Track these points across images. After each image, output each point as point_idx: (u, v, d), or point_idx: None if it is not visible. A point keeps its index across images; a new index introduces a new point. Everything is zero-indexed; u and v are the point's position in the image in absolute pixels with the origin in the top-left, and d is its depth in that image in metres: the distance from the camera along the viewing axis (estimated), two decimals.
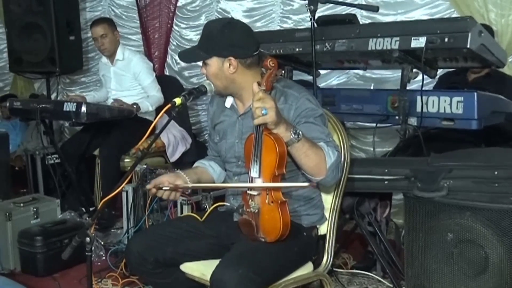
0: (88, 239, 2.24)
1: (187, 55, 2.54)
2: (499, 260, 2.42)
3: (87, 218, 3.92)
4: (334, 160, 2.24)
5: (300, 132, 2.16)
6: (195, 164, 2.74)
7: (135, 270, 2.60)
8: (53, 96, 6.21)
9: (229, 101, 2.53)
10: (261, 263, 2.21)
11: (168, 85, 5.02)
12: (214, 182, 2.68)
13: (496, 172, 2.51)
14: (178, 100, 2.27)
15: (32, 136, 5.79)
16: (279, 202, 2.19)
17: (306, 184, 2.21)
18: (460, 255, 2.52)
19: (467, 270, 2.50)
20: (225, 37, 2.33)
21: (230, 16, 5.31)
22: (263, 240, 2.26)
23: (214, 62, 2.37)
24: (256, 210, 2.23)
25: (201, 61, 2.43)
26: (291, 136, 2.15)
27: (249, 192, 2.25)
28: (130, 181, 4.11)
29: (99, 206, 2.37)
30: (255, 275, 2.12)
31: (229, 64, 2.35)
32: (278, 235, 2.20)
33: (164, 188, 2.41)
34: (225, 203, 2.58)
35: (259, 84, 2.19)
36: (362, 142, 4.79)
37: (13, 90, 7.09)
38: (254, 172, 2.22)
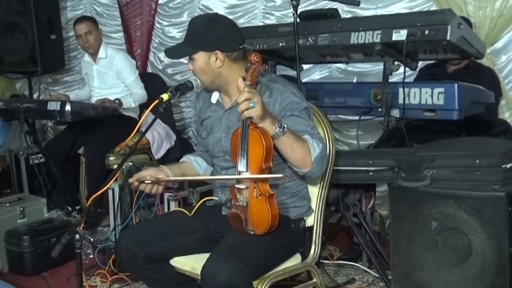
0: (77, 236, 2.26)
1: (174, 52, 2.55)
2: (482, 246, 2.46)
3: (76, 216, 3.92)
4: (319, 152, 2.27)
5: (285, 126, 2.19)
6: (182, 159, 2.77)
7: (125, 266, 2.62)
8: (35, 96, 6.20)
9: (215, 97, 2.56)
10: (251, 255, 2.24)
11: (151, 82, 5.02)
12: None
13: (477, 161, 2.54)
14: (165, 96, 2.30)
15: (15, 136, 5.75)
16: (267, 195, 2.22)
17: (280, 175, 2.23)
18: (444, 242, 2.55)
19: (451, 257, 2.54)
20: (211, 32, 2.36)
21: (211, 11, 5.32)
22: (252, 233, 2.29)
23: (200, 57, 2.39)
24: (245, 204, 2.26)
25: (187, 57, 2.45)
26: (276, 130, 2.18)
27: (236, 186, 2.28)
28: (115, 179, 4.13)
29: (88, 203, 2.40)
30: (245, 267, 2.15)
31: (216, 58, 2.37)
32: (267, 228, 2.23)
33: (146, 182, 2.44)
34: (213, 198, 2.61)
35: (244, 79, 2.22)
36: (345, 135, 4.83)
37: None
38: (241, 166, 2.25)
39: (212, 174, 2.73)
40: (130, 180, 2.49)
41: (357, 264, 3.52)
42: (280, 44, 3.36)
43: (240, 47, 2.41)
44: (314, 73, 4.99)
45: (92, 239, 4.09)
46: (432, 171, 2.62)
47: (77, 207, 4.52)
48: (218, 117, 2.55)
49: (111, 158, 4.57)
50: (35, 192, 4.65)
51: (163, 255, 2.49)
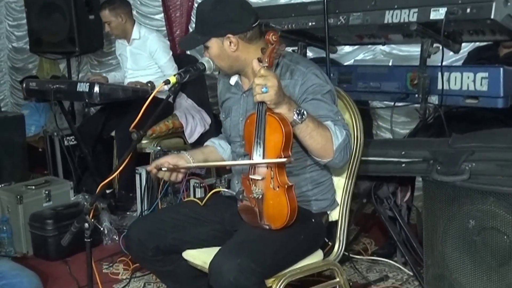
0: (86, 225, 2.17)
1: (187, 42, 2.48)
2: None
3: (101, 204, 3.84)
4: (342, 141, 2.09)
5: (305, 112, 2.02)
6: (206, 143, 2.65)
7: (135, 258, 2.51)
8: (76, 78, 6.19)
9: (233, 79, 2.41)
10: (263, 252, 2.08)
11: (188, 63, 4.84)
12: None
13: None
14: (172, 79, 2.17)
15: (56, 117, 5.74)
16: (285, 186, 2.05)
17: (283, 159, 2.03)
18: (483, 243, 2.36)
19: (490, 260, 2.34)
20: (219, 15, 2.21)
21: None
22: (267, 227, 2.13)
23: (213, 44, 2.25)
24: (260, 196, 2.10)
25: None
26: (294, 117, 2.01)
27: (251, 176, 2.12)
28: (145, 163, 4.04)
29: (98, 190, 2.28)
30: (255, 264, 1.99)
31: (229, 42, 2.22)
32: (285, 222, 2.07)
33: (163, 169, 2.32)
34: (225, 190, 2.46)
35: (260, 60, 2.05)
36: (389, 121, 4.58)
37: (39, 72, 7.05)
38: (257, 155, 2.09)
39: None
40: (148, 168, 2.39)
41: (390, 261, 3.30)
42: (310, 24, 3.14)
43: (254, 25, 2.23)
44: (357, 56, 4.74)
45: (120, 225, 4.03)
46: (471, 165, 2.42)
47: (108, 191, 4.44)
48: (236, 99, 2.41)
49: (143, 142, 4.45)
50: (69, 174, 4.62)
51: (174, 247, 2.37)
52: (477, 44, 3.87)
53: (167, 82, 2.15)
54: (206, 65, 2.26)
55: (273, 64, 2.11)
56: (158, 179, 3.59)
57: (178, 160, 2.37)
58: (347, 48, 4.69)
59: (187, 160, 2.39)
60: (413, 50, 4.33)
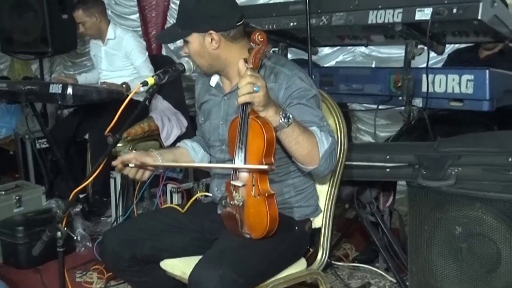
0: (59, 233, 2.07)
1: (165, 35, 2.39)
2: None
3: (74, 210, 3.71)
4: (328, 147, 2.01)
5: (291, 116, 1.93)
6: (178, 144, 2.56)
7: (110, 268, 2.40)
8: (49, 79, 6.03)
9: (214, 79, 2.31)
10: (245, 262, 1.99)
11: (164, 65, 4.70)
12: None
13: (510, 159, 2.28)
14: (150, 80, 2.07)
15: (28, 119, 5.60)
16: (266, 195, 1.96)
17: (265, 166, 1.93)
18: (470, 250, 2.32)
19: (477, 267, 2.30)
20: (202, 9, 2.10)
21: None
22: (248, 236, 2.04)
23: (194, 39, 2.15)
24: (241, 203, 2.01)
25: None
26: (281, 121, 1.92)
27: (232, 182, 2.03)
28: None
29: (70, 197, 2.18)
30: (237, 275, 1.90)
31: (211, 39, 2.13)
32: (264, 232, 1.98)
33: (130, 165, 2.22)
34: (207, 194, 2.35)
35: (245, 61, 1.96)
36: (368, 124, 4.54)
37: (10, 73, 6.89)
38: (238, 161, 2.00)
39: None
40: (114, 163, 2.26)
41: (373, 268, 3.23)
42: (291, 24, 3.05)
43: (238, 23, 2.14)
44: (336, 58, 4.69)
45: (93, 231, 3.91)
46: (458, 170, 2.37)
47: (81, 196, 4.31)
48: (217, 102, 2.31)
49: (118, 145, 4.33)
50: (41, 178, 4.49)
51: (151, 257, 2.27)
52: (457, 46, 3.84)
53: (144, 83, 2.04)
54: (185, 66, 2.17)
55: (259, 66, 2.02)
56: (134, 184, 3.50)
57: (146, 157, 2.26)
58: (326, 50, 4.65)
59: (155, 158, 2.29)
60: (393, 52, 4.31)
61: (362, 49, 4.48)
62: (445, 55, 3.60)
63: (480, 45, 3.70)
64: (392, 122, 4.16)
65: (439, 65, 3.77)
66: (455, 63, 3.74)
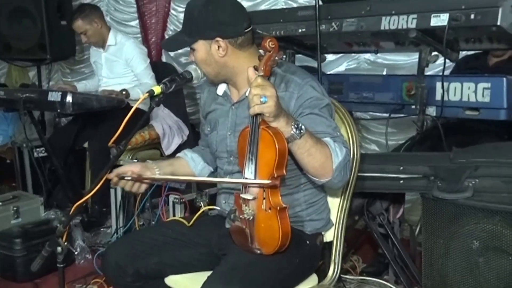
0: (59, 248, 1.98)
1: (171, 43, 2.31)
2: None
3: (73, 221, 3.61)
4: (342, 159, 1.92)
5: (303, 127, 1.85)
6: (178, 155, 2.47)
7: (112, 283, 2.29)
8: (46, 86, 5.94)
9: (221, 88, 2.23)
10: (256, 279, 1.90)
11: (164, 72, 4.68)
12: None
13: None
14: (157, 89, 1.98)
15: (25, 127, 5.51)
16: (277, 208, 1.88)
17: (267, 181, 1.86)
18: (487, 265, 2.23)
19: (495, 282, 2.22)
20: (209, 16, 2.02)
21: None
22: (258, 251, 1.95)
23: (200, 46, 2.08)
24: (251, 217, 1.92)
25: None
26: (292, 132, 1.83)
27: (242, 195, 1.94)
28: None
29: (71, 211, 2.08)
30: None
31: (218, 46, 2.05)
32: (276, 247, 1.89)
33: (126, 178, 2.15)
34: (214, 207, 2.26)
35: (256, 69, 1.88)
36: (374, 133, 4.46)
37: (8, 80, 6.79)
38: (249, 173, 1.92)
39: (210, 176, 2.42)
40: (109, 176, 2.17)
41: (382, 281, 3.13)
42: (300, 30, 2.97)
43: (246, 30, 2.06)
44: (340, 65, 4.63)
45: (92, 242, 3.83)
46: (475, 181, 2.28)
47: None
48: (224, 111, 2.22)
49: None
50: (39, 188, 4.39)
51: (156, 272, 2.18)
52: (464, 52, 3.77)
53: (151, 92, 1.95)
54: (193, 74, 2.08)
55: (270, 73, 1.94)
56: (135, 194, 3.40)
57: (143, 170, 2.19)
58: (330, 57, 4.55)
59: (152, 171, 2.21)
60: (400, 58, 4.23)
61: (367, 55, 4.41)
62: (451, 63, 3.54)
63: (488, 52, 3.63)
64: (398, 130, 4.08)
65: (447, 73, 3.69)
66: (463, 70, 3.66)
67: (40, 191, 4.27)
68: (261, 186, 1.89)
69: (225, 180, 2.15)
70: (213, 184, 3.15)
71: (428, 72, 2.92)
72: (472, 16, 2.37)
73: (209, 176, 2.42)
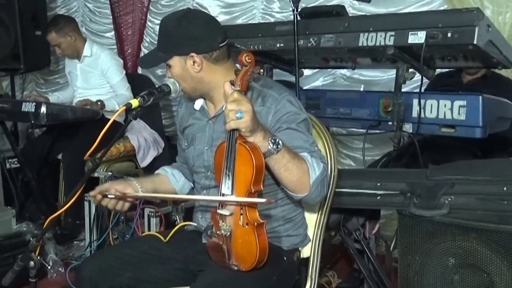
0: (32, 263, 1.97)
1: (146, 60, 2.31)
2: None
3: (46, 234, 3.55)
4: (319, 174, 1.92)
5: (280, 142, 1.84)
6: (157, 171, 2.45)
7: None
8: (20, 96, 5.87)
9: (198, 103, 2.23)
10: None
11: (140, 83, 4.69)
12: (174, 194, 2.39)
13: (505, 188, 2.22)
14: (134, 102, 1.96)
15: None
16: (255, 224, 1.86)
17: (263, 200, 1.86)
18: (463, 282, 2.24)
19: None
20: (183, 31, 2.03)
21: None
22: (235, 268, 1.93)
23: (176, 62, 2.08)
24: (228, 233, 1.91)
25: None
26: (269, 146, 1.83)
27: (219, 211, 1.93)
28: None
29: (45, 225, 2.06)
30: None
31: (193, 62, 2.06)
32: (254, 263, 1.88)
33: (109, 196, 2.13)
34: (191, 223, 2.24)
35: (232, 83, 1.87)
36: (350, 147, 4.48)
37: None
38: (225, 188, 1.90)
39: (190, 191, 2.39)
40: (92, 193, 2.17)
41: None
42: (278, 45, 2.99)
43: (221, 45, 2.07)
44: (316, 80, 4.66)
45: (65, 256, 3.77)
46: (451, 198, 2.30)
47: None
48: (201, 126, 2.22)
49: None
50: (11, 200, 4.31)
51: None
52: (438, 70, 3.81)
53: (128, 105, 1.93)
54: (171, 87, 2.06)
55: (246, 88, 1.93)
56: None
57: (126, 187, 2.17)
58: (307, 72, 4.56)
59: (135, 188, 2.20)
60: (375, 74, 4.27)
61: (344, 71, 4.45)
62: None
63: (462, 70, 3.68)
64: (374, 146, 4.11)
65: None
66: (438, 87, 3.69)
67: (12, 203, 4.19)
68: (251, 204, 1.87)
69: (211, 198, 2.08)
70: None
71: (403, 89, 2.96)
72: (449, 35, 2.40)
73: (189, 191, 2.40)
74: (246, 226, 1.87)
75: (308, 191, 1.92)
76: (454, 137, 2.77)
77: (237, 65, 2.02)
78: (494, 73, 3.62)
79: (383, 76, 4.10)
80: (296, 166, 1.88)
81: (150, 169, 4.32)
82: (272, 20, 4.77)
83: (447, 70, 3.75)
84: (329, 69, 4.47)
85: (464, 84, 3.70)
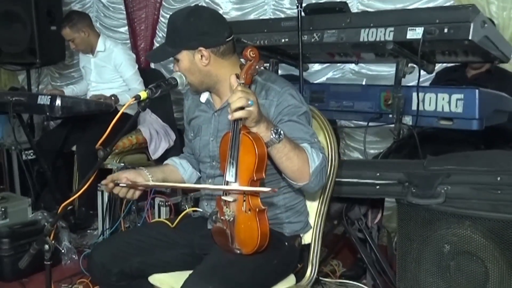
0: (47, 246, 2.04)
1: (156, 54, 2.39)
2: (500, 275, 2.22)
3: (60, 222, 3.68)
4: (319, 164, 2.00)
5: (282, 132, 1.93)
6: (166, 162, 2.54)
7: (98, 282, 2.37)
8: (36, 90, 5.99)
9: (204, 96, 2.31)
10: (235, 278, 1.98)
11: (152, 78, 4.72)
12: (183, 183, 2.46)
13: (498, 178, 2.29)
14: (143, 94, 2.04)
15: (14, 130, 5.55)
16: (257, 210, 1.95)
17: (267, 189, 1.93)
18: (458, 268, 2.32)
19: (465, 285, 2.31)
20: (192, 27, 2.11)
21: (217, 8, 5.07)
22: (238, 252, 2.03)
23: (184, 56, 2.15)
24: (231, 218, 2.00)
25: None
26: (272, 136, 1.91)
27: (223, 198, 2.02)
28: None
29: (59, 210, 2.14)
30: None
31: (201, 56, 2.13)
32: (255, 247, 1.97)
33: (121, 185, 2.20)
34: (197, 209, 2.34)
35: (237, 77, 1.95)
36: (357, 140, 4.56)
37: None
38: (229, 176, 1.99)
39: (197, 181, 2.47)
40: (103, 182, 2.24)
41: (360, 284, 3.22)
42: (283, 40, 3.07)
43: (227, 39, 2.15)
44: (326, 74, 4.72)
45: (79, 244, 3.88)
46: (447, 188, 2.37)
47: (68, 208, 4.26)
48: (207, 118, 2.30)
49: None
50: (27, 190, 4.45)
51: (140, 272, 2.24)
52: (445, 64, 3.88)
53: (137, 97, 2.03)
54: (178, 80, 2.15)
55: (250, 82, 2.02)
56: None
57: (136, 176, 2.25)
58: (316, 66, 4.67)
59: (145, 177, 2.28)
60: (383, 69, 4.33)
61: (352, 66, 4.51)
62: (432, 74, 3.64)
63: (467, 64, 3.74)
64: (381, 139, 4.18)
65: (427, 83, 3.79)
66: (443, 81, 3.76)
67: (28, 193, 4.32)
68: (255, 192, 1.95)
69: (221, 187, 2.10)
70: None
71: (408, 83, 3.03)
72: (446, 30, 2.47)
73: (197, 180, 2.48)
74: (249, 212, 1.96)
75: (308, 180, 2.00)
76: (458, 131, 2.84)
77: (242, 60, 2.10)
78: (498, 68, 3.67)
79: (390, 71, 4.12)
80: (296, 155, 1.96)
81: (162, 161, 4.30)
82: (282, 15, 4.83)
83: (452, 64, 3.81)
84: (338, 64, 4.54)
85: (469, 79, 3.75)
